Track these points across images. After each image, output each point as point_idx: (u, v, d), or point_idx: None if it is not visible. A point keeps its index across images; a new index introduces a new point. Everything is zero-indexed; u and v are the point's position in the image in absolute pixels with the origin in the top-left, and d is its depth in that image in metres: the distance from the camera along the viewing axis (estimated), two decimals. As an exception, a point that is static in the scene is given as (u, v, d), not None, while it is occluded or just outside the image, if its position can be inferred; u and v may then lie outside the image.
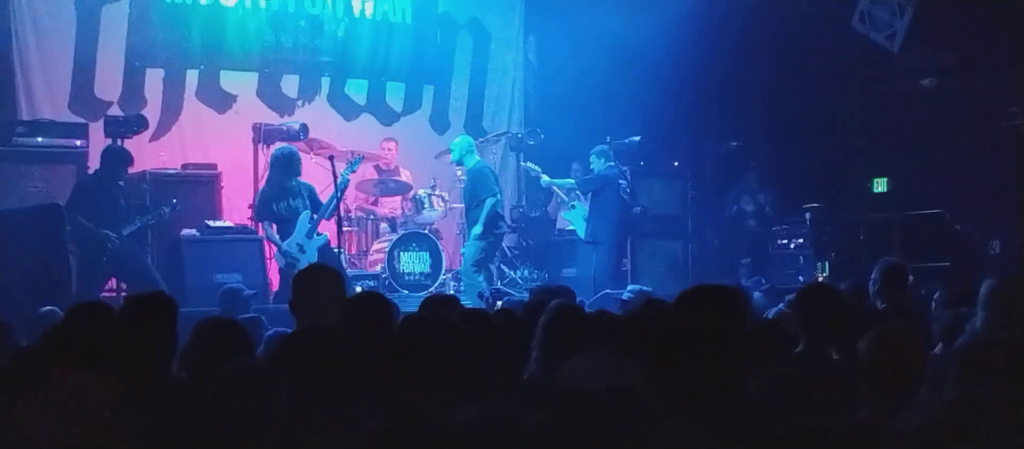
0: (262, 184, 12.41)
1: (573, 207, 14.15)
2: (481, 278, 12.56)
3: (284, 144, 12.44)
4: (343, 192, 12.43)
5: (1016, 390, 3.96)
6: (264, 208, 12.13)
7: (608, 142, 13.67)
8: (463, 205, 13.22)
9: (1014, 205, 13.75)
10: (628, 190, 13.43)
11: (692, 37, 14.49)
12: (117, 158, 11.53)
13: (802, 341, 5.46)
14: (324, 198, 12.15)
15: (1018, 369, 4.10)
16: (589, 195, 13.64)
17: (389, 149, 14.23)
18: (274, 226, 12.15)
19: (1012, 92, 13.43)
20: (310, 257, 11.67)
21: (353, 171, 12.82)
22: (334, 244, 11.82)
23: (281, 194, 12.05)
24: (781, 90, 14.91)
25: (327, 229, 12.18)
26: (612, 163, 13.47)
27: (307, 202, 12.05)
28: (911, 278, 9.50)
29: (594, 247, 13.50)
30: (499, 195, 12.79)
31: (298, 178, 12.14)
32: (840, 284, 8.97)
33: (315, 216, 11.96)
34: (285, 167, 12.04)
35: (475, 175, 12.70)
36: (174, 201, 11.73)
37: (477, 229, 12.50)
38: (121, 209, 11.35)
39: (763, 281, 12.56)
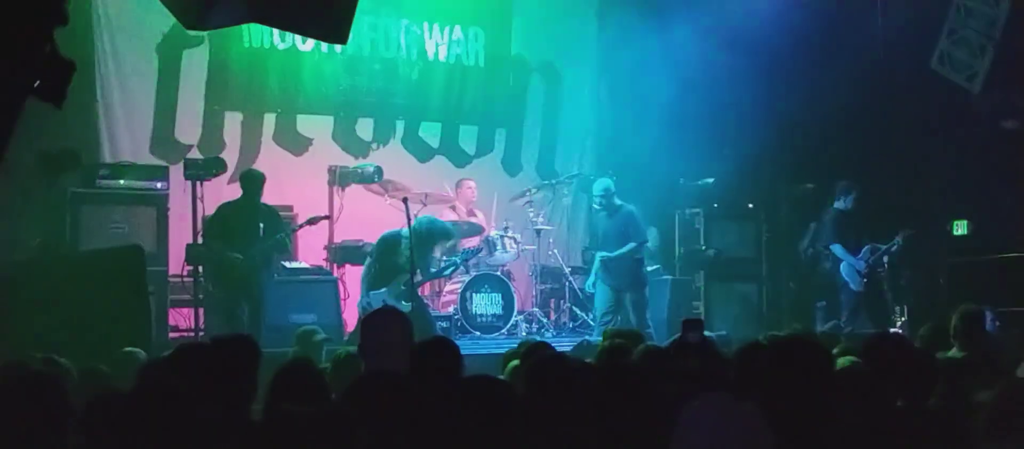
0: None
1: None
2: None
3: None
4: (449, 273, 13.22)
5: None
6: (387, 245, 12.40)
7: (681, 183, 13.70)
8: (598, 239, 13.24)
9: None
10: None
11: (767, 78, 14.41)
12: (253, 180, 12.01)
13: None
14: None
15: None
16: None
17: (470, 188, 14.29)
18: None
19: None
20: None
21: (466, 259, 13.15)
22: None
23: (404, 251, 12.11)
24: (858, 132, 14.74)
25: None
26: None
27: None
28: (997, 323, 9.28)
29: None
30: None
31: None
32: (918, 330, 8.80)
33: (415, 280, 11.89)
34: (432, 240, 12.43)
35: (629, 217, 12.83)
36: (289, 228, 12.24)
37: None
38: (254, 232, 11.72)
39: (841, 326, 12.36)
